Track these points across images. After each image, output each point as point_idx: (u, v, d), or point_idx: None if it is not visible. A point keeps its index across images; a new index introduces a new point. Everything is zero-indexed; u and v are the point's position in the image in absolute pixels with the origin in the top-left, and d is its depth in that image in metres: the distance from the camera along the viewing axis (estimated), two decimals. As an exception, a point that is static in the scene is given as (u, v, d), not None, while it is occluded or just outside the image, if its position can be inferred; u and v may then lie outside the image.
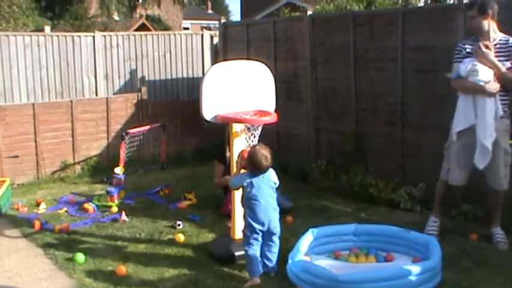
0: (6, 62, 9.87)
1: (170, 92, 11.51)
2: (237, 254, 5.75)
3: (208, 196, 8.10)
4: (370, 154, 8.21)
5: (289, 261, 5.34)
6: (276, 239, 5.46)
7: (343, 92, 8.54)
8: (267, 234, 5.40)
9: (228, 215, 6.97)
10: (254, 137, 5.78)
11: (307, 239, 5.71)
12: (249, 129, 5.80)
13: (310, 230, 5.87)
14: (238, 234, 5.94)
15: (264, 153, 5.26)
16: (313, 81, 8.99)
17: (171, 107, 10.80)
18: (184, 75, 11.72)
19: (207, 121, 5.78)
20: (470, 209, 6.87)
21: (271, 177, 5.44)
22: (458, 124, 6.04)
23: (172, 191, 8.55)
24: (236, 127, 5.79)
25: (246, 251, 5.36)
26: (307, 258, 5.46)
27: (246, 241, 5.38)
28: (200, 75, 11.77)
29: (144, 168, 9.85)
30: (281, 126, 9.02)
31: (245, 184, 5.34)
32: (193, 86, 11.71)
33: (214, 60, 11.45)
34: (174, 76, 11.59)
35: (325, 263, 5.44)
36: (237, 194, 5.86)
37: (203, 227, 6.94)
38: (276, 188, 5.49)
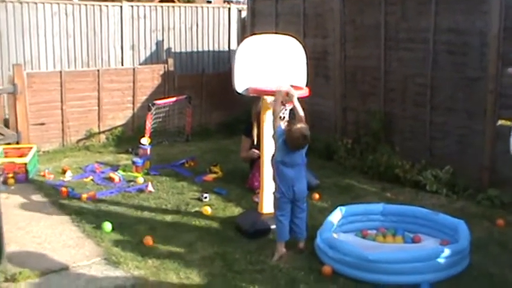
0: (34, 30, 9.91)
1: (196, 64, 11.52)
2: (264, 228, 5.78)
3: (234, 170, 8.13)
4: (397, 135, 8.17)
5: (318, 238, 5.35)
6: (301, 204, 5.46)
7: (372, 71, 8.46)
8: (294, 201, 5.41)
9: (254, 190, 7.03)
10: (285, 110, 5.75)
11: (335, 217, 5.70)
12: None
13: (338, 208, 5.87)
14: (266, 208, 5.96)
15: (304, 133, 5.20)
16: (342, 59, 8.92)
17: (197, 79, 10.77)
18: (210, 48, 11.70)
19: (239, 93, 5.76)
20: (497, 195, 6.82)
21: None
22: None
23: (198, 163, 8.55)
24: (267, 100, 5.77)
25: (276, 215, 5.40)
26: (334, 236, 5.46)
27: (277, 204, 5.43)
28: (226, 49, 11.79)
29: (168, 139, 9.85)
30: (307, 103, 8.86)
31: (280, 144, 5.31)
32: (218, 59, 11.72)
33: (242, 34, 11.39)
34: (200, 49, 11.59)
35: (353, 241, 5.43)
36: (266, 169, 5.88)
37: (229, 201, 6.95)
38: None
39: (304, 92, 5.81)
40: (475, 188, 7.11)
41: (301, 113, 5.46)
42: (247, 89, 5.73)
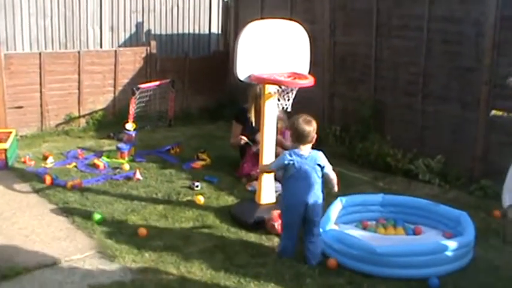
0: (10, 8, 9.49)
1: (176, 47, 11.25)
2: (264, 218, 5.58)
3: (222, 157, 7.92)
4: (387, 123, 8.06)
5: (320, 230, 5.20)
6: (315, 229, 5.01)
7: (363, 58, 8.34)
8: (307, 223, 4.99)
9: (245, 177, 6.89)
10: (288, 100, 5.60)
11: (336, 208, 5.57)
12: (283, 91, 5.62)
13: (338, 198, 5.73)
14: (264, 199, 5.81)
15: (306, 118, 4.97)
16: (331, 45, 8.76)
17: (180, 63, 10.49)
18: (191, 31, 11.44)
19: (241, 80, 5.58)
20: (490, 185, 6.77)
21: (316, 160, 5.01)
22: None
23: (183, 149, 8.30)
24: (269, 88, 5.60)
25: (281, 234, 5.18)
26: (335, 227, 5.32)
27: (283, 227, 5.15)
28: (207, 32, 11.58)
29: (151, 124, 9.58)
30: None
31: (286, 162, 4.93)
32: (199, 42, 11.49)
33: (225, 17, 11.18)
34: (180, 31, 11.30)
35: (356, 233, 5.31)
36: (265, 157, 5.71)
37: (222, 190, 6.76)
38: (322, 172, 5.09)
39: (309, 81, 5.65)
40: (467, 178, 7.08)
41: (332, 176, 5.18)
42: (249, 76, 5.53)
